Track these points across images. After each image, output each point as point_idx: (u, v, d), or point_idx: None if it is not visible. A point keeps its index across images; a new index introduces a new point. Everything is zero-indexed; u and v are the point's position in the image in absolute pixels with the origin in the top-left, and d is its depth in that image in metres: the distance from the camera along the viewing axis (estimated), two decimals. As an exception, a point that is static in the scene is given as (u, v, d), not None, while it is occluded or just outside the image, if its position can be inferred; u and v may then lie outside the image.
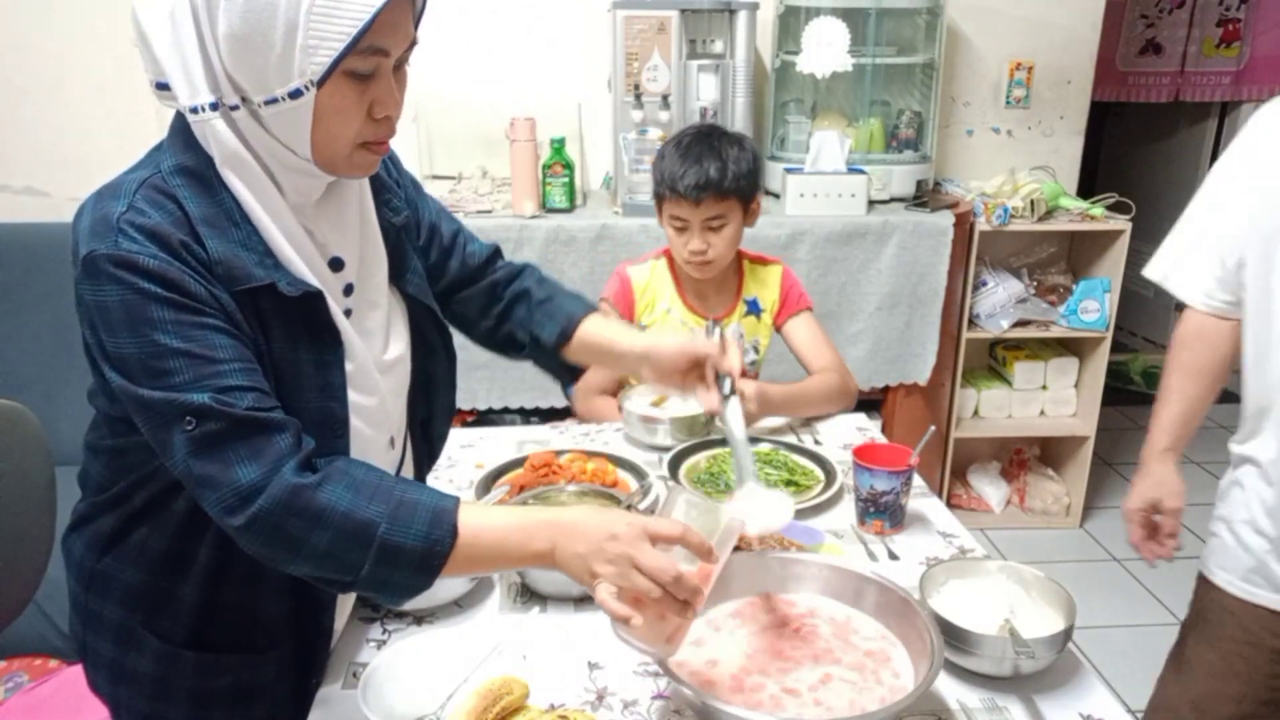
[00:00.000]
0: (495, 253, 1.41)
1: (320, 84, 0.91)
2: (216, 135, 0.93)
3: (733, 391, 1.25)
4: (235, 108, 0.93)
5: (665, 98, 2.63)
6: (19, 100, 2.81)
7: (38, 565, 1.54)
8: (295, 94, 0.91)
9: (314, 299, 1.00)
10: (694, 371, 1.28)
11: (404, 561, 0.94)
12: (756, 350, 1.98)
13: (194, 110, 0.92)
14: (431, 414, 1.29)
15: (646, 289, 1.98)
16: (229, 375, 0.92)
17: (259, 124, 0.94)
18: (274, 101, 0.91)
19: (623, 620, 0.94)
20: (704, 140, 1.82)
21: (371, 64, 0.93)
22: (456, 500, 0.97)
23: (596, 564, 0.94)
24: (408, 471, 1.27)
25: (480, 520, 0.97)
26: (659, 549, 0.95)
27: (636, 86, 2.61)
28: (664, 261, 1.99)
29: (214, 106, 0.92)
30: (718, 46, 2.69)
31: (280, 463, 0.92)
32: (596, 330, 1.34)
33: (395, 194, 1.20)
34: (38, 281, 2.64)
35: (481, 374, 2.67)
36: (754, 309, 1.97)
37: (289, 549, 0.93)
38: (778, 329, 1.99)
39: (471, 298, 1.36)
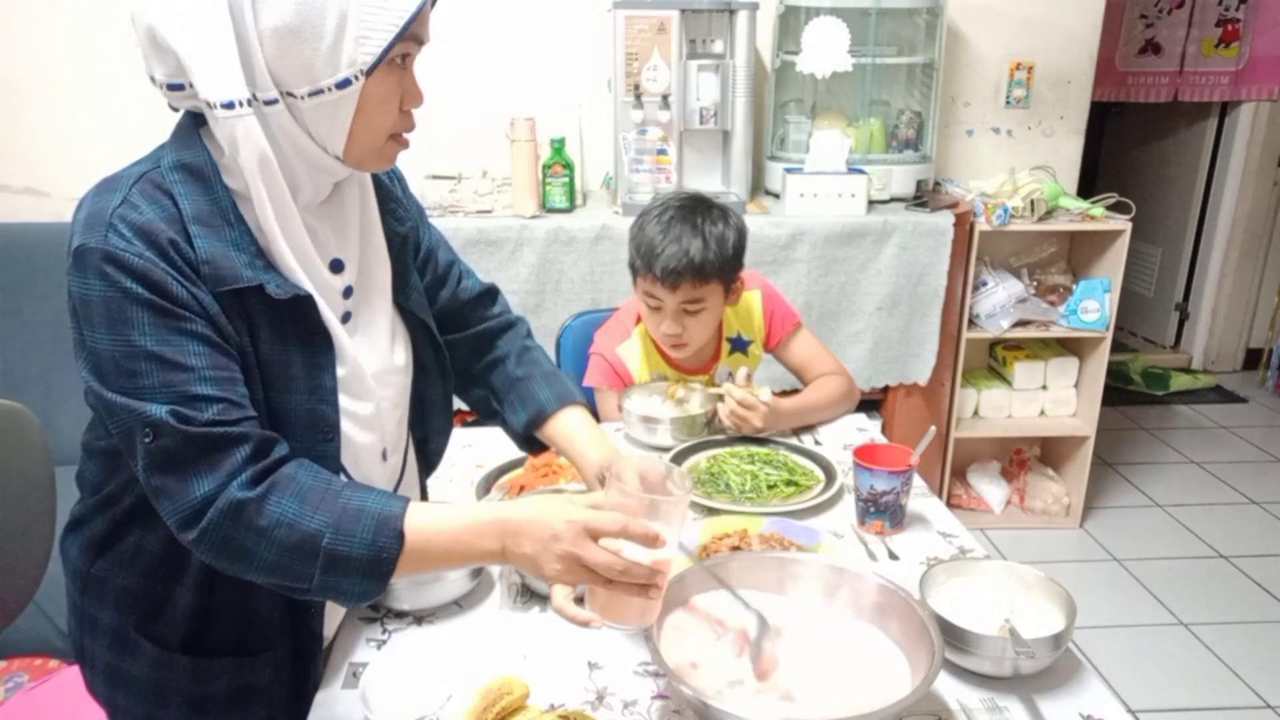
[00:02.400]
0: (488, 293, 1.36)
1: (369, 73, 0.92)
2: (247, 133, 0.92)
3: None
4: (273, 102, 0.93)
5: (665, 98, 2.62)
6: (19, 100, 2.81)
7: (38, 565, 1.54)
8: (343, 84, 0.92)
9: (303, 302, 1.00)
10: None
11: (351, 570, 0.93)
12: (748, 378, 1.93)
13: (228, 105, 0.91)
14: (427, 434, 1.29)
15: (639, 363, 1.89)
16: (197, 383, 0.92)
17: (294, 119, 0.95)
18: (319, 93, 0.92)
19: (581, 624, 0.96)
20: (687, 216, 1.70)
21: (411, 50, 0.96)
22: (405, 503, 0.96)
23: (545, 564, 0.94)
24: (408, 484, 1.27)
25: (427, 523, 0.96)
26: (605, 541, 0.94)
27: (636, 86, 2.61)
28: (642, 327, 1.89)
29: (249, 102, 0.92)
30: (718, 46, 2.69)
31: (231, 477, 0.92)
32: (563, 435, 1.27)
33: (400, 204, 1.21)
34: (38, 281, 2.64)
35: (481, 374, 2.67)
36: (739, 346, 1.91)
37: (240, 561, 0.94)
38: (770, 351, 1.94)
39: (457, 345, 1.31)
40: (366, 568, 0.93)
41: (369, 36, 0.90)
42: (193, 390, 0.92)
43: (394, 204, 1.19)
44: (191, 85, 0.92)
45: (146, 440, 0.91)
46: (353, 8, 0.89)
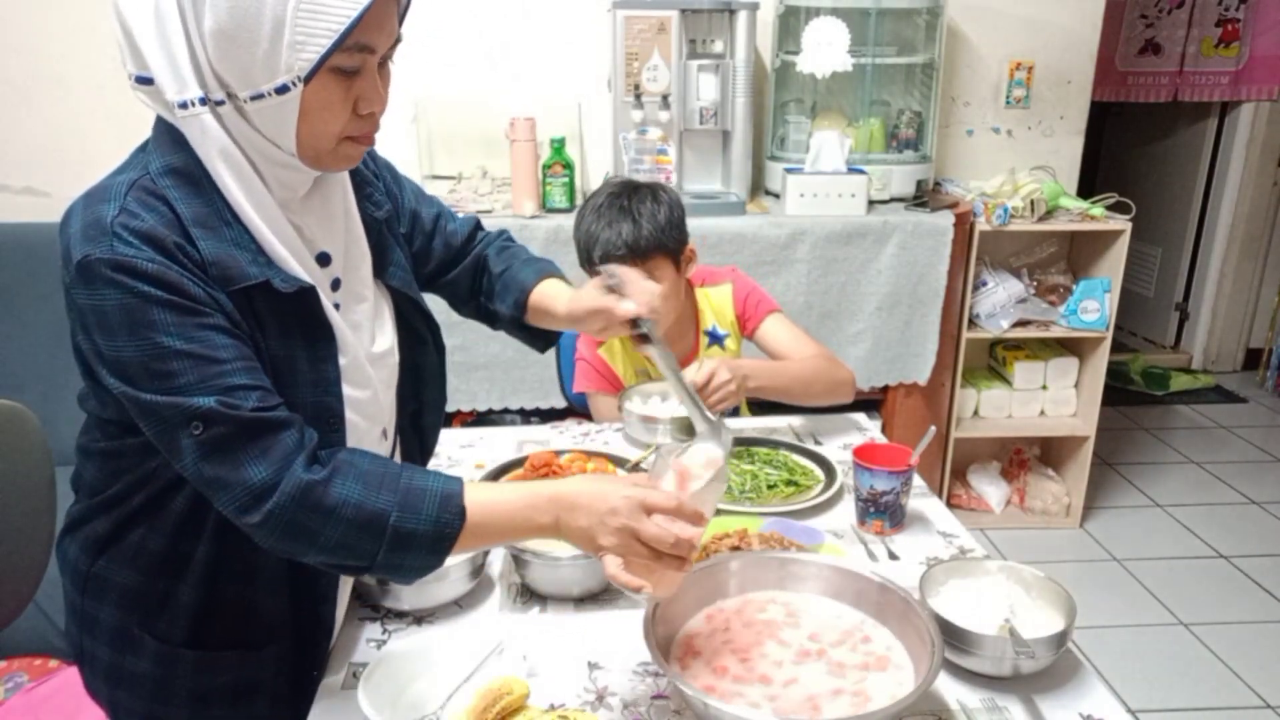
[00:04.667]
0: (476, 227, 1.42)
1: (307, 80, 0.91)
2: (205, 130, 0.93)
3: (648, 335, 1.27)
4: (221, 103, 0.93)
5: (665, 98, 2.62)
6: (19, 100, 2.81)
7: (38, 565, 1.54)
8: (282, 90, 0.91)
9: (307, 295, 1.00)
10: (620, 326, 1.31)
11: (416, 546, 0.97)
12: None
13: (183, 105, 0.92)
14: (421, 406, 1.29)
15: (622, 362, 1.92)
16: (233, 375, 0.93)
17: (244, 119, 0.95)
18: (260, 97, 0.92)
19: (635, 590, 0.99)
20: (615, 202, 1.75)
21: (357, 61, 0.94)
22: (461, 482, 1.01)
23: (601, 536, 0.99)
24: (398, 460, 1.27)
25: (486, 499, 1.01)
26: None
27: (636, 86, 2.61)
28: None
29: (202, 101, 0.92)
30: (718, 46, 2.69)
31: (290, 459, 0.94)
32: (540, 300, 1.36)
33: (375, 187, 1.21)
34: (38, 281, 2.64)
35: (481, 374, 2.67)
36: (716, 339, 1.92)
37: (305, 542, 0.96)
38: (749, 339, 1.94)
39: (460, 277, 1.39)
40: (430, 544, 0.97)
41: (306, 43, 0.89)
42: (231, 381, 0.93)
43: (369, 188, 1.19)
44: (155, 82, 0.93)
45: (196, 432, 0.92)
46: (289, 13, 0.88)
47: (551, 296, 1.35)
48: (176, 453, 0.94)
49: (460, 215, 1.42)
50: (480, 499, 1.00)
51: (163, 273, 0.91)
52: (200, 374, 0.92)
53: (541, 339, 1.43)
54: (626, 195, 1.76)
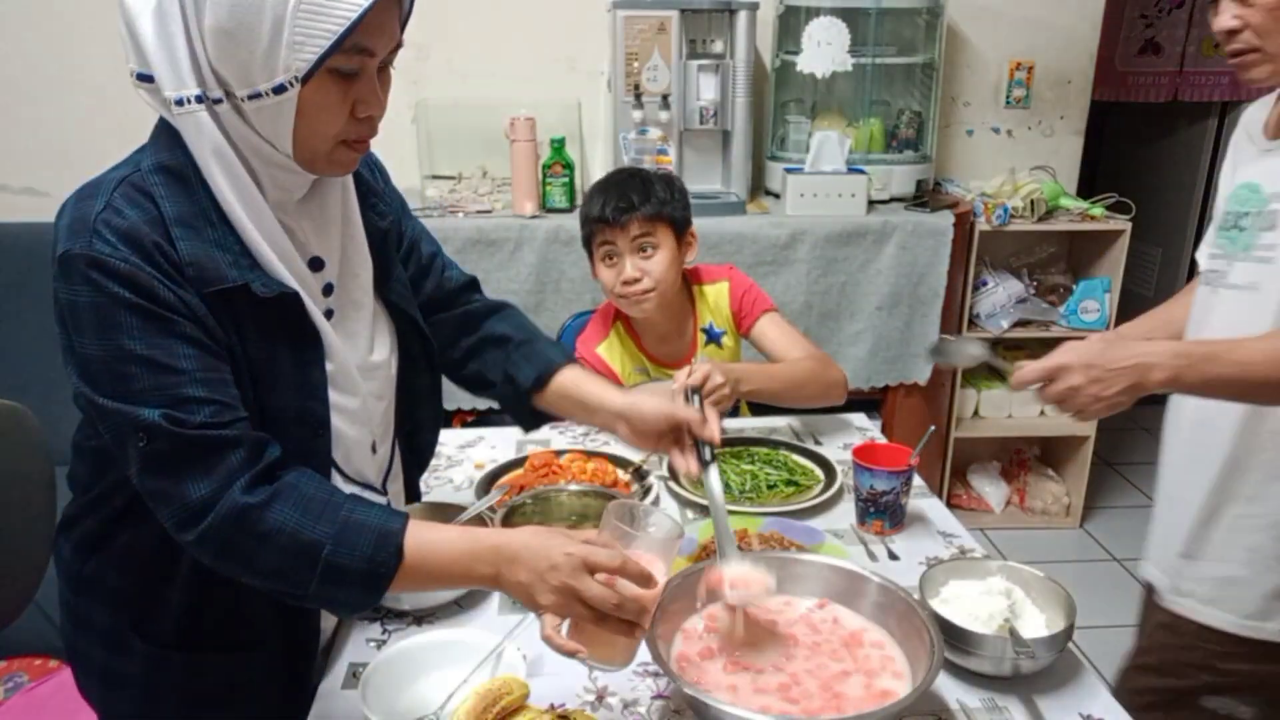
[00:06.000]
0: (472, 283, 1.38)
1: (305, 80, 0.91)
2: (200, 128, 0.93)
3: (713, 459, 1.18)
4: (219, 101, 0.93)
5: (665, 98, 2.62)
6: (19, 100, 2.81)
7: (38, 565, 1.54)
8: (279, 89, 0.91)
9: (290, 300, 1.00)
10: (671, 435, 1.24)
11: (349, 581, 0.94)
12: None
13: (179, 102, 0.92)
14: (416, 426, 1.29)
15: (621, 360, 1.91)
16: (188, 386, 0.92)
17: (242, 119, 0.95)
18: (258, 96, 0.92)
19: (569, 654, 0.96)
20: (622, 174, 1.85)
21: (356, 63, 0.94)
22: (405, 520, 0.97)
23: (540, 594, 0.94)
24: (396, 479, 1.27)
25: (427, 542, 0.97)
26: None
27: (636, 86, 2.61)
28: (619, 324, 1.92)
29: (199, 99, 0.92)
30: (718, 46, 2.69)
31: (230, 480, 0.93)
32: (574, 382, 1.30)
33: (381, 198, 1.21)
34: (38, 281, 2.60)
35: (481, 374, 2.67)
36: (713, 337, 1.92)
37: (239, 564, 0.95)
38: (745, 337, 1.93)
39: (442, 323, 1.33)
40: (363, 580, 0.95)
41: (305, 44, 0.89)
42: (184, 393, 0.92)
43: (374, 198, 1.19)
44: (155, 79, 0.93)
45: (140, 444, 0.92)
46: (289, 13, 0.88)
47: (585, 385, 1.30)
48: (125, 460, 0.94)
49: (458, 266, 1.38)
50: (421, 541, 0.96)
51: (134, 274, 0.91)
52: (155, 381, 0.91)
53: (532, 419, 1.35)
54: (634, 174, 1.84)
